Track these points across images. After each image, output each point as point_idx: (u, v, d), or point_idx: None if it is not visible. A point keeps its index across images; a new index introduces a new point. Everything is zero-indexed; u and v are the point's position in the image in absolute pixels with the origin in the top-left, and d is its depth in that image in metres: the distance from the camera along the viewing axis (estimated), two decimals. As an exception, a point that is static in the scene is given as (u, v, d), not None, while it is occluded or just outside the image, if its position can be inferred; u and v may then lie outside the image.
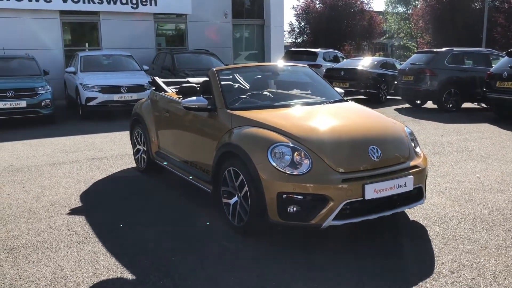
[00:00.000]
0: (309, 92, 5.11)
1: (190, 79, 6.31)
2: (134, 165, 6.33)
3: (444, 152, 7.07)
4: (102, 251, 3.65)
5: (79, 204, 4.82)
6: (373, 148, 3.72)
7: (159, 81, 5.97)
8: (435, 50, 12.55)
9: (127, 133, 8.62)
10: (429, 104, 12.90)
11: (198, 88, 5.33)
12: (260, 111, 4.28)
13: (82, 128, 9.53)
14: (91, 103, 10.40)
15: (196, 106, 4.41)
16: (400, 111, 12.26)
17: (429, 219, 4.26)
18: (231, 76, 5.00)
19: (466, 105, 12.48)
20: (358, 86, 13.67)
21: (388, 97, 14.34)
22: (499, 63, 10.73)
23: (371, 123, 4.17)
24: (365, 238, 3.85)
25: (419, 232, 3.98)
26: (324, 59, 16.66)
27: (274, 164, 3.57)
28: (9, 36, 13.60)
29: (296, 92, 5.13)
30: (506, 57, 10.75)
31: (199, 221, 4.27)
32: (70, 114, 11.54)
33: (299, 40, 41.03)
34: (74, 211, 4.58)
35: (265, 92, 4.90)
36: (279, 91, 5.12)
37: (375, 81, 13.82)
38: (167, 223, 4.24)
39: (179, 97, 5.34)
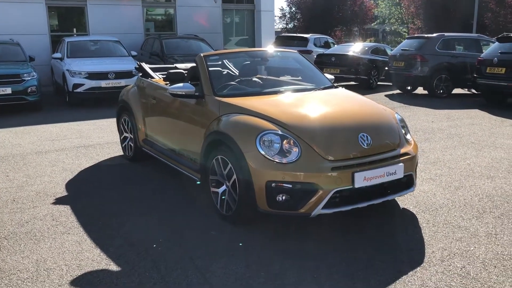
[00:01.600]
0: (299, 78, 5.01)
1: (178, 65, 6.18)
2: (121, 153, 6.23)
3: (434, 138, 7.04)
4: (87, 242, 3.57)
5: (65, 193, 4.72)
6: (363, 135, 3.65)
7: (146, 67, 5.84)
8: (426, 35, 12.49)
9: (115, 120, 8.55)
10: (420, 90, 12.87)
11: (186, 74, 5.22)
12: (248, 98, 4.19)
13: (69, 115, 9.37)
14: (78, 90, 10.21)
15: (183, 93, 4.31)
16: (390, 97, 12.22)
17: (419, 206, 4.23)
18: (219, 62, 4.89)
19: (456, 90, 12.47)
20: (349, 72, 13.59)
21: (378, 83, 14.28)
22: (490, 49, 10.70)
23: (361, 110, 4.10)
24: (356, 226, 3.81)
25: (409, 220, 3.94)
26: (315, 44, 16.52)
27: (263, 152, 3.49)
28: (-7, 21, 13.30)
29: (286, 78, 5.04)
30: (496, 43, 10.71)
31: (187, 211, 4.20)
32: (57, 101, 11.34)
33: (290, 25, 40.74)
34: (59, 201, 4.49)
35: (254, 79, 4.80)
36: (268, 77, 5.02)
37: (366, 67, 13.74)
38: (154, 213, 4.16)
39: (166, 84, 5.23)
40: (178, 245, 3.50)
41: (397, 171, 3.66)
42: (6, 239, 3.64)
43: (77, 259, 3.31)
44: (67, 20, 15.33)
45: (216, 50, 13.31)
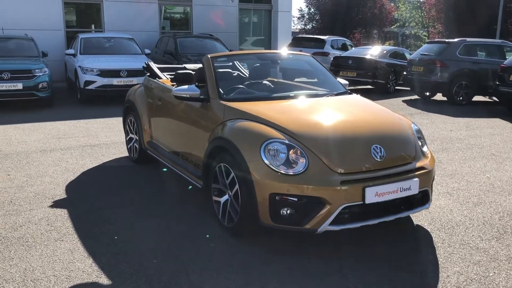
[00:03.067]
0: (311, 82, 4.77)
1: (187, 66, 5.99)
2: (127, 154, 6.06)
3: (452, 148, 6.73)
4: (79, 251, 3.39)
5: (64, 195, 4.56)
6: (376, 147, 3.41)
7: (153, 66, 5.66)
8: (447, 40, 12.11)
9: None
10: (439, 96, 12.49)
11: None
12: (255, 103, 3.98)
13: (79, 113, 9.26)
14: (90, 87, 10.09)
15: (188, 96, 4.11)
16: (408, 102, 11.88)
17: (434, 223, 3.96)
18: (227, 64, 4.68)
19: (476, 98, 12.06)
20: (366, 76, 13.27)
21: (396, 87, 13.93)
22: (514, 56, 10.30)
23: (375, 119, 3.84)
24: (365, 244, 3.55)
25: (423, 239, 3.68)
26: (332, 47, 16.22)
27: (267, 162, 3.27)
28: (9, 16, 13.27)
29: (297, 82, 4.81)
30: (521, 50, 10.32)
31: (187, 219, 3.99)
32: (68, 98, 11.25)
33: (309, 26, 40.40)
34: (57, 204, 4.32)
35: (263, 82, 4.58)
36: (278, 81, 4.80)
37: (384, 71, 13.40)
38: (153, 220, 3.97)
39: (173, 85, 5.04)
40: (174, 257, 3.30)
41: (412, 186, 3.40)
42: (-4, 244, 3.48)
43: (67, 269, 3.13)
44: (83, 16, 15.29)
45: (231, 50, 13.14)
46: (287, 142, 3.32)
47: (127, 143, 5.94)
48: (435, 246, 3.54)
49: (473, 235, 3.74)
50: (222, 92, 4.09)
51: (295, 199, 3.20)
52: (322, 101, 4.16)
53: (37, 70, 9.52)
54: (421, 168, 3.56)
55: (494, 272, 3.15)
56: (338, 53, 15.55)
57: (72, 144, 6.65)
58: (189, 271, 3.12)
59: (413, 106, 11.18)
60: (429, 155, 3.82)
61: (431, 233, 3.77)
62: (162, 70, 5.74)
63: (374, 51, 14.20)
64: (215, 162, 3.73)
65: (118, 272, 3.09)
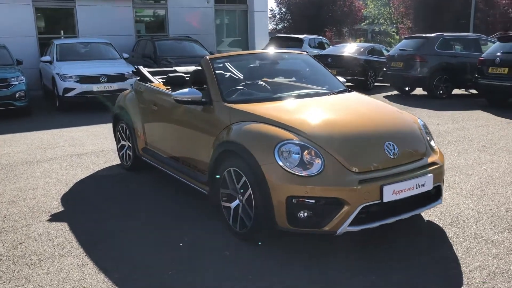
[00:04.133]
0: (311, 81, 4.70)
1: (178, 68, 5.85)
2: (118, 162, 5.87)
3: (443, 142, 6.79)
4: (88, 266, 3.22)
5: (60, 208, 4.36)
6: (389, 144, 3.36)
7: (144, 70, 5.50)
8: (424, 35, 12.26)
9: (109, 126, 8.15)
10: (418, 91, 12.65)
11: (187, 78, 4.91)
12: (261, 104, 3.87)
13: (60, 121, 8.96)
14: (69, 94, 9.79)
15: (189, 99, 3.98)
16: (389, 98, 11.98)
17: (444, 218, 3.94)
18: (226, 65, 4.57)
19: (455, 91, 12.26)
20: (346, 73, 13.31)
21: (375, 84, 14.05)
22: (491, 49, 10.49)
23: (384, 115, 3.80)
24: (381, 243, 3.50)
25: (437, 235, 3.66)
26: (310, 45, 16.24)
27: (282, 164, 3.18)
28: (-22, 23, 12.82)
29: (297, 82, 4.73)
30: (497, 43, 10.53)
31: (195, 227, 3.86)
32: (46, 106, 10.90)
33: (280, 26, 40.48)
34: (55, 217, 4.13)
35: (264, 83, 4.48)
36: (279, 81, 4.71)
37: (363, 68, 13.51)
38: (159, 230, 3.82)
39: (168, 89, 4.90)
40: (190, 268, 3.17)
41: (427, 182, 3.37)
42: (-2, 264, 3.28)
43: (79, 286, 2.96)
44: (56, 22, 14.86)
45: (211, 52, 12.98)
46: (301, 143, 3.24)
47: (118, 151, 5.75)
48: (451, 242, 3.51)
49: (484, 228, 3.73)
50: (225, 94, 3.98)
51: (313, 201, 3.12)
52: (327, 100, 4.10)
53: (13, 79, 9.18)
54: (433, 163, 3.53)
55: (515, 265, 3.15)
56: (316, 51, 15.57)
57: (59, 154, 6.40)
58: (208, 281, 3.00)
59: (395, 102, 11.27)
60: (438, 150, 3.80)
61: (443, 228, 3.75)
62: (152, 74, 5.58)
63: (352, 49, 14.30)
64: (223, 166, 3.62)
65: (134, 287, 2.95)
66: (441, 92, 11.59)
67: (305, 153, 3.21)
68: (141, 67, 5.59)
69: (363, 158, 3.28)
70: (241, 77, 4.61)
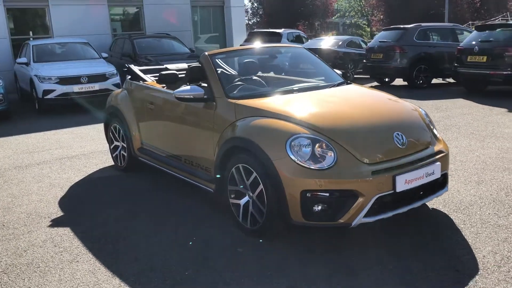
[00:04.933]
0: (310, 75, 4.70)
1: (169, 66, 5.75)
2: (110, 163, 5.76)
3: (432, 130, 6.88)
4: (101, 271, 3.14)
5: (60, 213, 4.25)
6: (398, 134, 3.38)
7: (136, 69, 5.39)
8: (402, 26, 12.42)
9: (94, 127, 8.03)
10: (398, 81, 12.83)
11: (180, 76, 4.84)
12: (265, 98, 3.84)
13: (42, 124, 8.72)
14: (49, 96, 9.54)
15: (191, 97, 3.91)
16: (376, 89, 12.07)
17: (448, 206, 4.00)
18: (226, 61, 4.52)
19: (433, 80, 12.47)
20: (326, 66, 13.38)
21: (355, 76, 14.19)
22: (469, 38, 10.71)
23: (389, 106, 3.83)
24: (392, 234, 3.52)
25: (444, 222, 3.71)
26: (288, 39, 16.28)
27: (294, 158, 3.16)
28: None
29: (297, 75, 4.71)
30: (475, 31, 10.75)
31: (203, 226, 3.82)
32: (25, 109, 10.60)
33: (252, 21, 40.45)
34: (55, 222, 4.01)
35: (266, 77, 4.46)
36: (280, 75, 4.69)
37: (343, 61, 13.61)
38: (167, 231, 3.76)
39: (163, 87, 4.82)
40: (206, 267, 3.13)
41: (435, 171, 3.41)
42: (5, 273, 3.17)
43: (95, 292, 2.89)
44: (29, 23, 14.45)
45: (190, 49, 12.84)
46: (312, 136, 3.23)
47: (112, 152, 5.63)
48: (459, 228, 3.57)
49: (489, 214, 3.80)
50: (227, 90, 3.93)
51: (327, 194, 3.12)
52: (329, 93, 4.09)
53: (-11, 82, 8.88)
54: (440, 151, 3.58)
55: (525, 248, 3.22)
56: (295, 46, 15.60)
57: (48, 158, 6.23)
58: (227, 280, 2.97)
59: (377, 93, 11.38)
60: (441, 139, 3.85)
61: (449, 216, 3.80)
62: (143, 72, 5.48)
63: (330, 42, 14.41)
64: (231, 163, 3.58)
65: (153, 289, 2.89)
66: (421, 81, 11.78)
67: (316, 146, 3.20)
68: (132, 65, 5.48)
69: (373, 149, 3.29)
70: (239, 73, 4.57)
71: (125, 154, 5.30)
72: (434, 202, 4.07)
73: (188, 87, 3.97)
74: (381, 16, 35.33)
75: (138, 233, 3.74)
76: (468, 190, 4.36)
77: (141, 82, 5.15)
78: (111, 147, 5.61)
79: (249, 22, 40.64)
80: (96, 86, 9.82)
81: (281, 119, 3.42)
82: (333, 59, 13.44)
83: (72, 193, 4.79)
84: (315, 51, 13.60)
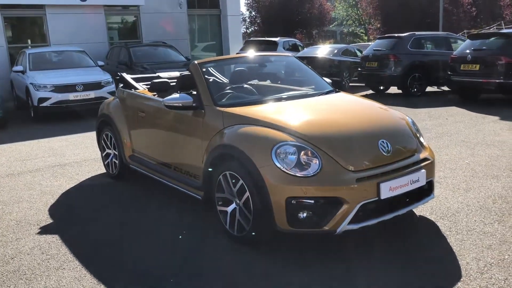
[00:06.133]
0: (298, 83, 4.74)
1: (161, 74, 5.80)
2: (102, 170, 5.78)
3: (424, 138, 6.91)
4: (87, 278, 3.16)
5: (49, 220, 4.26)
6: (383, 141, 3.42)
7: (128, 77, 5.43)
8: (397, 35, 12.51)
9: (88, 135, 8.05)
10: (393, 90, 12.90)
11: (171, 84, 4.89)
12: (253, 106, 3.87)
13: (37, 132, 8.75)
14: (45, 104, 9.59)
15: (180, 105, 3.95)
16: (365, 98, 12.13)
17: (435, 213, 4.03)
18: (215, 70, 4.56)
19: (428, 88, 12.53)
20: (321, 75, 13.38)
21: (350, 84, 14.25)
22: (462, 46, 10.78)
23: (376, 114, 3.87)
24: (378, 241, 3.55)
25: (431, 229, 3.73)
26: (284, 48, 16.37)
27: (280, 166, 3.19)
28: None
29: (285, 84, 4.75)
30: (468, 40, 10.83)
31: (191, 233, 3.84)
32: (21, 117, 10.63)
33: (250, 30, 40.64)
34: (44, 230, 4.03)
35: (254, 86, 4.49)
36: (269, 84, 4.73)
37: (338, 69, 13.69)
38: (154, 237, 3.78)
39: (154, 95, 4.85)
40: (192, 274, 3.15)
41: (420, 178, 3.44)
42: (-9, 280, 3.18)
43: (80, 299, 2.90)
44: (26, 31, 14.51)
45: (186, 57, 12.92)
46: (297, 144, 3.26)
47: (103, 159, 5.65)
48: (445, 235, 3.59)
49: (475, 221, 3.83)
50: (216, 98, 3.97)
51: (312, 201, 3.15)
52: (317, 101, 4.14)
53: (-15, 90, 8.92)
54: (425, 159, 3.61)
55: (509, 255, 3.24)
56: (290, 54, 15.68)
57: (40, 165, 6.26)
58: (216, 286, 2.98)
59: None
60: (428, 146, 3.89)
61: (436, 222, 3.83)
62: (135, 81, 5.51)
63: (326, 50, 14.48)
64: (218, 171, 3.60)
65: (137, 296, 2.90)
66: (415, 90, 11.84)
67: (302, 154, 3.23)
68: (124, 74, 5.52)
69: (358, 156, 3.32)
70: (230, 81, 4.61)
71: (117, 162, 5.32)
72: (422, 209, 4.10)
73: (177, 95, 4.01)
74: (378, 25, 35.55)
75: (126, 240, 3.75)
76: (456, 197, 4.39)
77: (132, 90, 5.19)
78: (103, 154, 5.64)
79: (247, 31, 40.83)
80: (91, 94, 9.88)
81: (267, 127, 3.45)
82: (328, 67, 13.52)
83: (62, 201, 4.81)
84: (311, 59, 13.75)
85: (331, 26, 51.78)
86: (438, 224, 3.80)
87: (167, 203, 4.56)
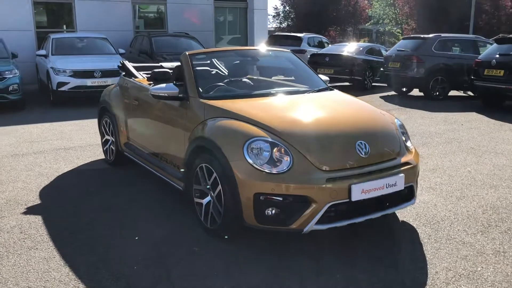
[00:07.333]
0: (292, 79, 4.68)
1: (164, 64, 5.83)
2: (103, 156, 5.87)
3: (432, 143, 6.75)
4: (55, 259, 3.22)
5: (38, 201, 4.37)
6: (361, 143, 3.34)
7: (129, 65, 5.49)
8: (422, 36, 12.20)
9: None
10: (416, 92, 12.59)
11: (171, 74, 4.90)
12: (237, 100, 3.86)
13: (52, 115, 8.97)
14: (63, 88, 9.81)
15: (166, 95, 3.97)
16: (385, 98, 11.93)
17: (419, 219, 3.92)
18: (206, 61, 4.56)
19: (452, 93, 12.20)
20: (343, 73, 13.27)
21: (373, 84, 14.00)
22: (488, 51, 10.43)
23: (358, 115, 3.78)
24: (351, 242, 3.49)
25: (409, 235, 3.63)
26: (309, 44, 16.21)
27: (250, 161, 3.17)
28: (-24, 16, 12.85)
29: (278, 79, 4.70)
30: (495, 44, 10.46)
31: (168, 223, 3.86)
32: (41, 100, 10.91)
33: (284, 24, 40.42)
34: (30, 210, 4.13)
35: (244, 79, 4.47)
36: (259, 78, 4.69)
37: (361, 68, 13.44)
38: (133, 225, 3.82)
39: (150, 84, 4.89)
40: (157, 263, 3.17)
41: (398, 182, 3.34)
42: (-35, 255, 3.29)
43: (42, 279, 2.96)
44: (54, 17, 14.89)
45: (206, 48, 12.95)
46: (270, 140, 3.22)
47: (103, 145, 5.75)
48: (422, 242, 3.49)
49: (458, 230, 3.71)
50: (202, 90, 3.97)
51: (280, 199, 3.11)
52: (304, 98, 4.08)
53: (7, 72, 9.19)
54: (406, 163, 3.51)
55: (482, 267, 3.12)
56: (314, 50, 15.55)
57: (46, 148, 6.41)
58: (172, 277, 3.00)
59: (390, 102, 11.24)
60: (413, 150, 3.78)
61: (417, 229, 3.73)
62: (138, 69, 5.58)
63: (350, 48, 14.24)
64: (197, 162, 3.61)
65: (97, 281, 2.94)
66: (437, 93, 11.53)
67: (274, 150, 3.20)
68: (126, 61, 5.58)
69: (333, 156, 3.26)
70: (222, 74, 4.60)
71: (114, 148, 5.40)
72: (406, 215, 4.00)
73: (163, 85, 4.03)
74: (414, 25, 34.75)
75: (104, 226, 3.81)
76: (445, 205, 4.25)
77: (132, 79, 5.24)
78: (103, 140, 5.73)
79: (281, 25, 40.67)
80: (109, 81, 9.96)
81: (244, 121, 3.43)
82: (351, 65, 13.29)
83: (56, 183, 4.92)
84: (333, 56, 13.57)
85: (367, 24, 50.91)
86: (418, 231, 3.69)
87: (154, 191, 4.60)
